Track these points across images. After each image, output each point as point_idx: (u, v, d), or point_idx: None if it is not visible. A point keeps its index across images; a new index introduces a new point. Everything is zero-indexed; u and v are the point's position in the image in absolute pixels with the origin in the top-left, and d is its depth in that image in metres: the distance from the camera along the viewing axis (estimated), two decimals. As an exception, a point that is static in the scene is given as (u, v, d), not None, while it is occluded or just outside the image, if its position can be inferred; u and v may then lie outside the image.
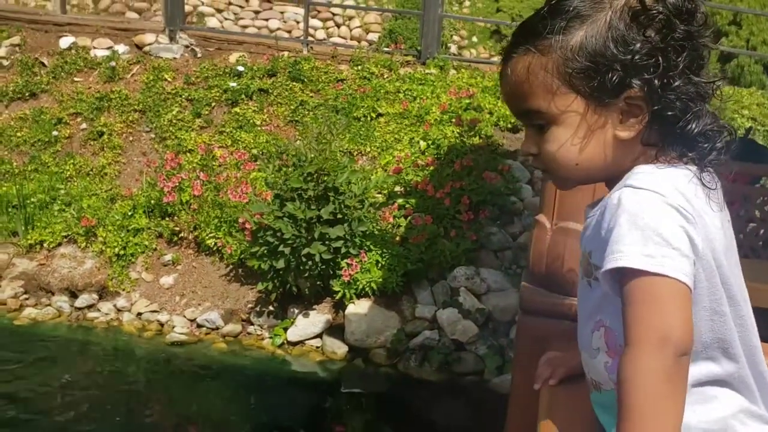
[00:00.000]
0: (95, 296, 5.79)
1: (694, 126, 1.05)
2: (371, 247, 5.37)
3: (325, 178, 5.19)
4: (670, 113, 1.04)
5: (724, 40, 10.36)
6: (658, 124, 1.07)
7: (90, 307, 5.75)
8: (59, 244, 6.04)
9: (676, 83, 1.03)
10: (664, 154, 1.09)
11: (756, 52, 10.12)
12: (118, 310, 5.71)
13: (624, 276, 0.99)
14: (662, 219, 0.99)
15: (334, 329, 5.37)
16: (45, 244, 6.02)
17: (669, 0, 1.03)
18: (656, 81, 1.02)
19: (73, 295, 5.80)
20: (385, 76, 7.52)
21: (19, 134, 7.01)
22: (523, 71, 1.09)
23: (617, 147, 1.08)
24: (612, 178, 1.13)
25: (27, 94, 7.39)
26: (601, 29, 1.03)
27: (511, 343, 5.17)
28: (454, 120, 6.62)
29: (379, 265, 5.31)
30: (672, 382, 0.96)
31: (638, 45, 1.02)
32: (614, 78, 1.03)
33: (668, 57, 1.02)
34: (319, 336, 5.38)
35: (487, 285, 5.44)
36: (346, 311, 5.28)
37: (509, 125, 6.68)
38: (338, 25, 10.69)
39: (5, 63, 7.75)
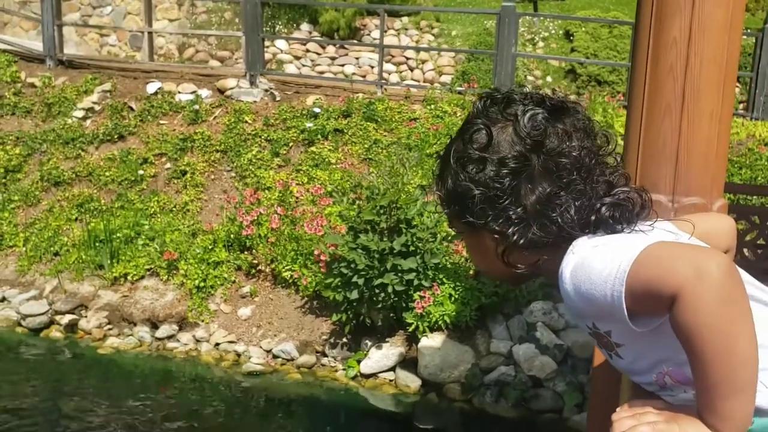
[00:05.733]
0: (175, 327, 5.94)
1: (597, 216, 1.12)
2: (444, 280, 5.33)
3: (398, 211, 5.22)
4: (537, 243, 1.13)
5: None
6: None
7: (170, 337, 5.90)
8: (142, 277, 6.27)
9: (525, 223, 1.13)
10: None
11: None
12: (197, 341, 5.84)
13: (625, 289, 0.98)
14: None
15: (407, 362, 5.32)
16: (129, 277, 6.25)
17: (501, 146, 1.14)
18: (494, 226, 1.14)
19: (154, 326, 5.98)
20: (458, 115, 7.56)
21: (107, 173, 7.36)
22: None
23: (514, 257, 1.17)
24: (543, 274, 1.18)
25: (116, 137, 7.78)
26: (452, 175, 1.20)
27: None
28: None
29: (453, 298, 5.26)
30: (731, 301, 0.90)
31: (475, 191, 1.15)
32: (468, 216, 1.17)
33: (498, 202, 1.13)
34: (392, 369, 5.33)
35: (566, 320, 5.30)
36: (419, 344, 5.23)
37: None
38: (411, 69, 10.89)
39: (96, 108, 8.20)
